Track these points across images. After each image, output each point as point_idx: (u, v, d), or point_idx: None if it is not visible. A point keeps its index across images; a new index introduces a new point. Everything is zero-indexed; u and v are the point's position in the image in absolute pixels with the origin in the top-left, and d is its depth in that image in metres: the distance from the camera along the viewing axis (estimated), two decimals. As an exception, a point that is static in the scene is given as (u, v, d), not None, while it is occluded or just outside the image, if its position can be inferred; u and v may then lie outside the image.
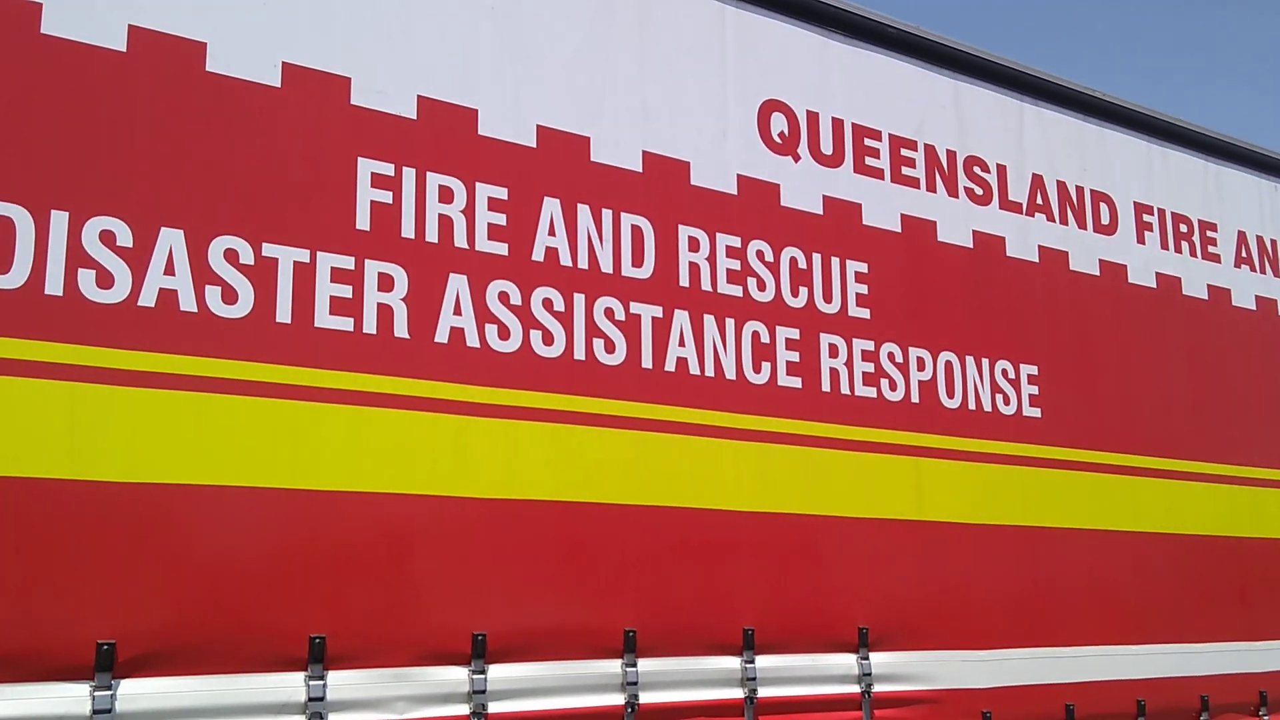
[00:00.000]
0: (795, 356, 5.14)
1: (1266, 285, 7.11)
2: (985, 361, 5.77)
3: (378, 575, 4.01)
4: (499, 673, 4.16)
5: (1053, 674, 5.63)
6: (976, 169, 5.99)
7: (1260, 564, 6.69)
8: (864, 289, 5.44)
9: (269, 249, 4.00)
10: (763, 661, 4.77)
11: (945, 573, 5.42)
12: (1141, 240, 6.58)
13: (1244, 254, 7.05)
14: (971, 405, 5.67)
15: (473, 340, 4.33)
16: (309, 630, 3.85)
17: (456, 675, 4.09)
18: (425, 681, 4.04)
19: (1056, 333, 6.10)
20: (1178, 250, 6.74)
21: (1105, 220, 6.44)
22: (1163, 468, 6.35)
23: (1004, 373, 5.82)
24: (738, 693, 4.68)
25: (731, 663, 4.71)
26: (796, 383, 5.12)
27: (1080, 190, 6.39)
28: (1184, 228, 6.80)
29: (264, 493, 3.84)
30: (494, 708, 4.11)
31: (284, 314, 3.98)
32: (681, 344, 4.83)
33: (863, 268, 5.45)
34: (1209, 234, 6.91)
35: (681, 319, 4.85)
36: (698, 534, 4.73)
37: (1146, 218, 6.64)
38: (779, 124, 5.35)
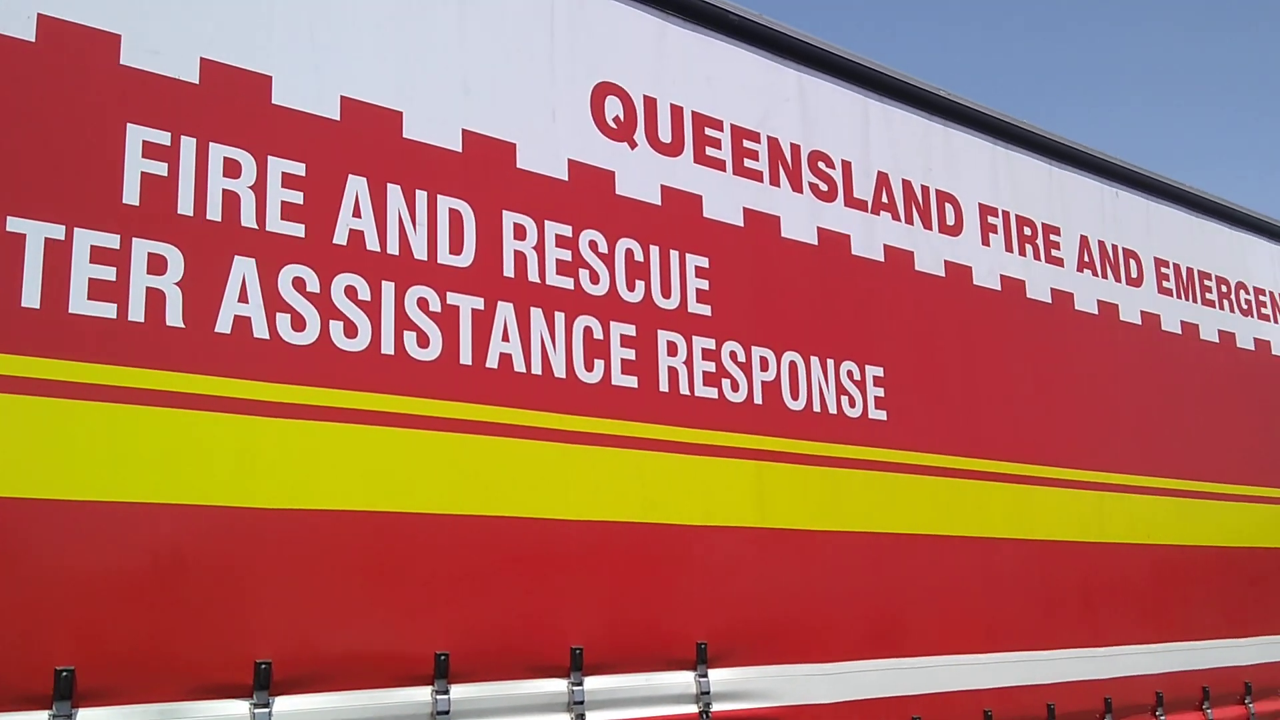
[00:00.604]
0: (631, 354, 4.82)
1: (1108, 290, 7.14)
2: (830, 362, 5.55)
3: (141, 598, 3.49)
4: (288, 705, 3.69)
5: (900, 686, 5.43)
6: (821, 164, 5.80)
7: (1105, 569, 6.66)
8: (705, 284, 5.15)
9: (15, 223, 3.47)
10: (592, 683, 4.40)
11: (788, 582, 5.16)
12: (986, 242, 6.50)
13: (1086, 258, 7.06)
14: (816, 407, 5.44)
15: (261, 331, 3.87)
16: (55, 662, 3.32)
17: (237, 710, 3.61)
18: (200, 719, 3.54)
19: (902, 334, 5.94)
20: (1022, 253, 6.69)
21: (951, 221, 6.34)
22: (1010, 472, 6.25)
23: (849, 374, 5.62)
24: (564, 718, 4.30)
25: (557, 685, 4.33)
26: (632, 382, 4.79)
27: (926, 190, 6.27)
28: (1028, 230, 6.76)
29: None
30: (281, 745, 3.64)
31: (31, 298, 3.45)
32: (505, 339, 4.45)
33: (703, 262, 5.17)
34: (1052, 237, 6.89)
35: (505, 312, 4.47)
36: (521, 546, 4.34)
37: (991, 220, 6.57)
38: (614, 108, 5.04)
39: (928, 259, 6.16)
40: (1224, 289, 7.98)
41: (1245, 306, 8.13)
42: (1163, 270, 7.55)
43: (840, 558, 5.38)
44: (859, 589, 5.42)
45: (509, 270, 4.53)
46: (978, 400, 6.23)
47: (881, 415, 5.70)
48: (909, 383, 5.89)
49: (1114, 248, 7.27)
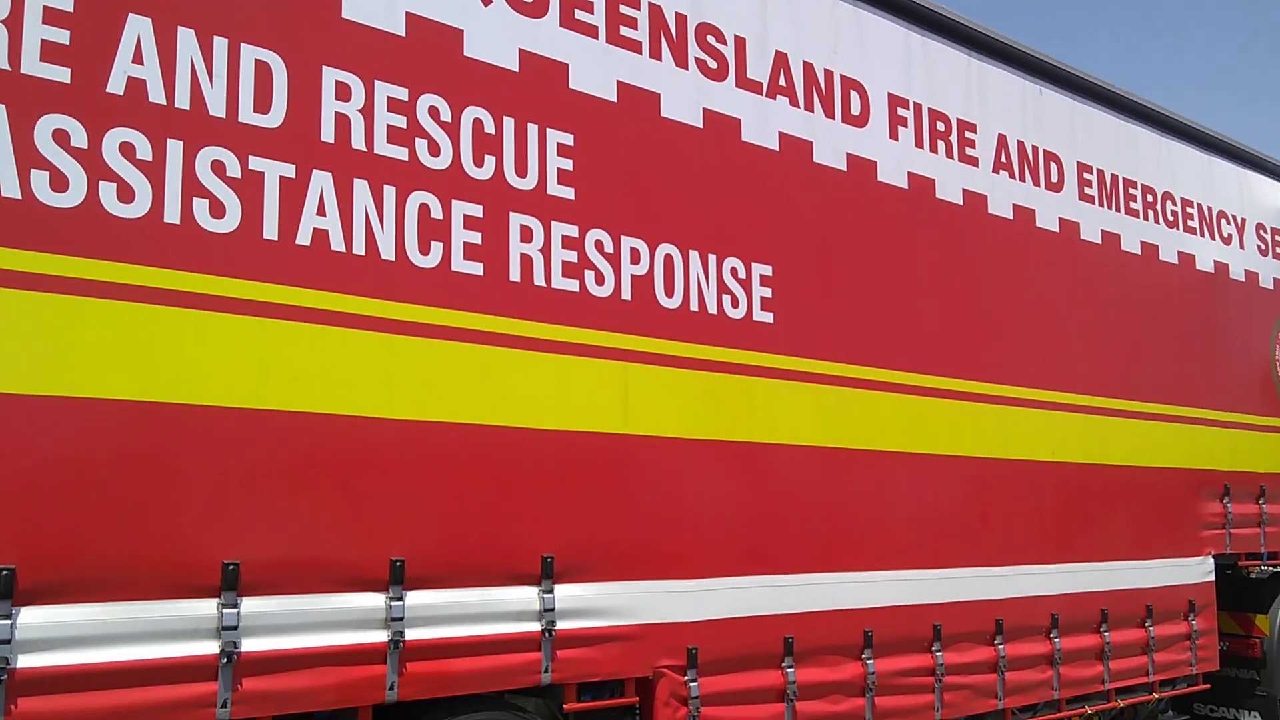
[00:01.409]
0: (475, 238, 4.31)
1: (1026, 194, 6.71)
2: (712, 258, 5.08)
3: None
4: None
5: (773, 604, 5.08)
6: (711, 39, 5.25)
7: (1006, 487, 6.35)
8: (568, 164, 4.64)
9: None
10: (416, 599, 3.99)
11: (653, 494, 4.76)
12: (895, 136, 6.02)
13: (1004, 159, 6.61)
14: (694, 306, 4.98)
15: (10, 190, 3.31)
16: None
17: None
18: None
19: (795, 231, 5.48)
20: (933, 150, 6.21)
21: (856, 111, 5.84)
22: (907, 383, 5.86)
23: (733, 271, 5.15)
24: (379, 635, 3.89)
25: (374, 600, 3.90)
26: (476, 269, 4.30)
27: (830, 75, 5.75)
28: (941, 126, 6.28)
29: None
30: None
31: None
32: (321, 212, 3.92)
33: (568, 139, 4.64)
34: (968, 135, 6.42)
35: (322, 182, 3.93)
36: (332, 446, 3.87)
37: (901, 111, 6.07)
38: (465, -43, 4.45)
39: (828, 151, 5.67)
40: (1149, 199, 7.59)
41: (1170, 218, 7.75)
42: (1085, 176, 7.13)
43: (713, 469, 4.98)
44: (732, 503, 5.03)
45: (327, 134, 3.98)
46: (876, 306, 5.80)
47: (768, 317, 5.26)
48: (801, 284, 5.44)
49: (1034, 149, 6.82)
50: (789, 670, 5.07)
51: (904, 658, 5.61)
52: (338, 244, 3.94)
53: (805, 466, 5.34)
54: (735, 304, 5.14)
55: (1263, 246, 8.63)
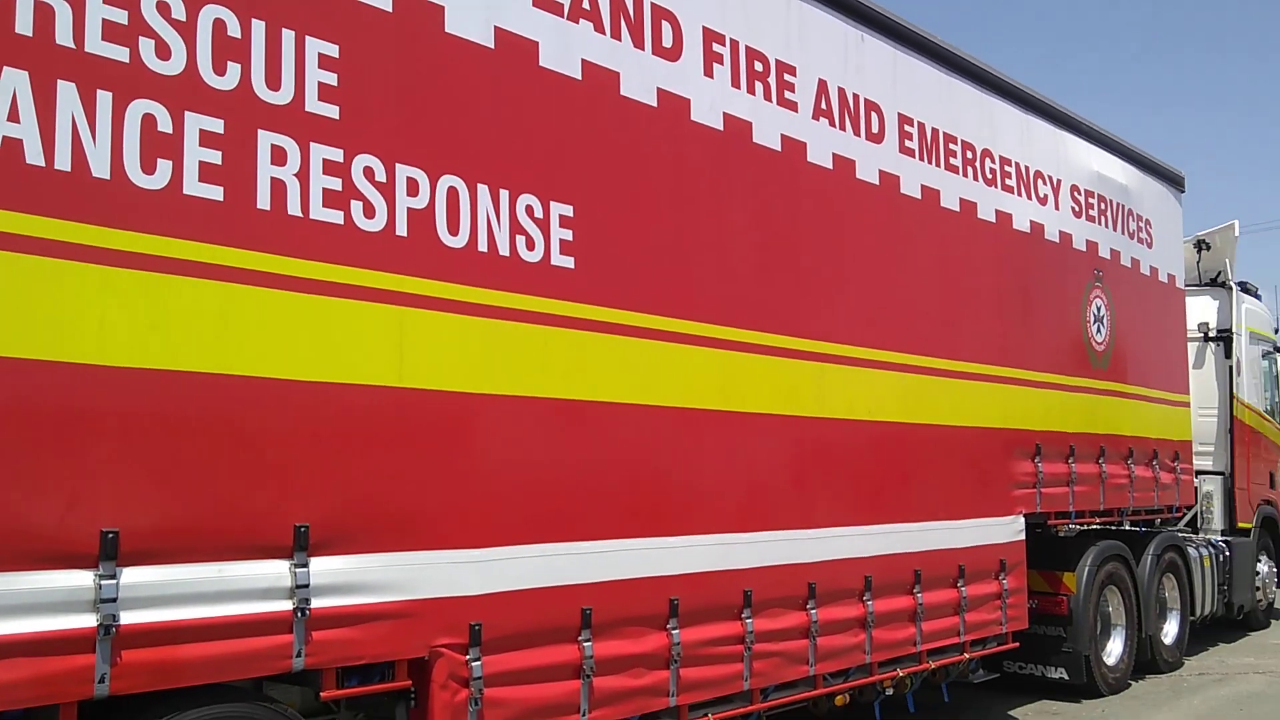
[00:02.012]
0: (214, 157, 3.70)
1: (846, 143, 6.45)
2: (504, 194, 4.60)
3: None
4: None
5: (569, 574, 4.68)
6: (505, -49, 4.74)
7: (820, 446, 6.11)
8: (331, 78, 4.06)
9: None
10: (133, 576, 3.39)
11: (433, 454, 4.27)
12: (709, 73, 5.64)
13: (824, 105, 6.33)
14: (482, 246, 4.49)
15: None
16: None
17: None
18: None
19: (601, 169, 5.04)
20: (750, 91, 5.87)
21: (668, 43, 5.43)
22: (719, 337, 5.53)
23: (528, 210, 4.68)
24: (87, 620, 3.29)
25: (80, 579, 3.30)
26: (214, 193, 3.69)
27: (639, 2, 5.31)
28: (759, 66, 5.93)
29: None
30: None
31: None
32: (13, 118, 3.25)
33: (331, 50, 4.06)
34: (787, 77, 6.10)
35: (14, 82, 3.26)
36: (30, 400, 3.24)
37: (717, 48, 5.70)
38: None
39: (637, 84, 5.24)
40: (969, 155, 7.48)
41: (990, 176, 7.67)
42: (906, 128, 6.93)
43: (503, 428, 4.52)
44: (524, 465, 4.59)
45: (22, 27, 3.30)
46: (689, 254, 5.43)
47: (567, 262, 4.81)
48: (606, 227, 5.02)
49: (855, 97, 6.57)
50: (586, 644, 4.68)
51: (712, 626, 5.30)
52: (34, 157, 3.28)
53: (608, 425, 4.94)
54: (530, 246, 4.68)
55: (1077, 208, 8.69)
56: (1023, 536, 7.72)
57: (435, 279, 4.32)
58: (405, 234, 4.24)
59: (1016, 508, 7.70)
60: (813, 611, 5.87)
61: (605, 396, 4.93)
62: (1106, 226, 9.10)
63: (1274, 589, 12.19)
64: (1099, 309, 8.90)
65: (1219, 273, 11.93)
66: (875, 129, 6.68)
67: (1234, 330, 11.62)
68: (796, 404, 5.96)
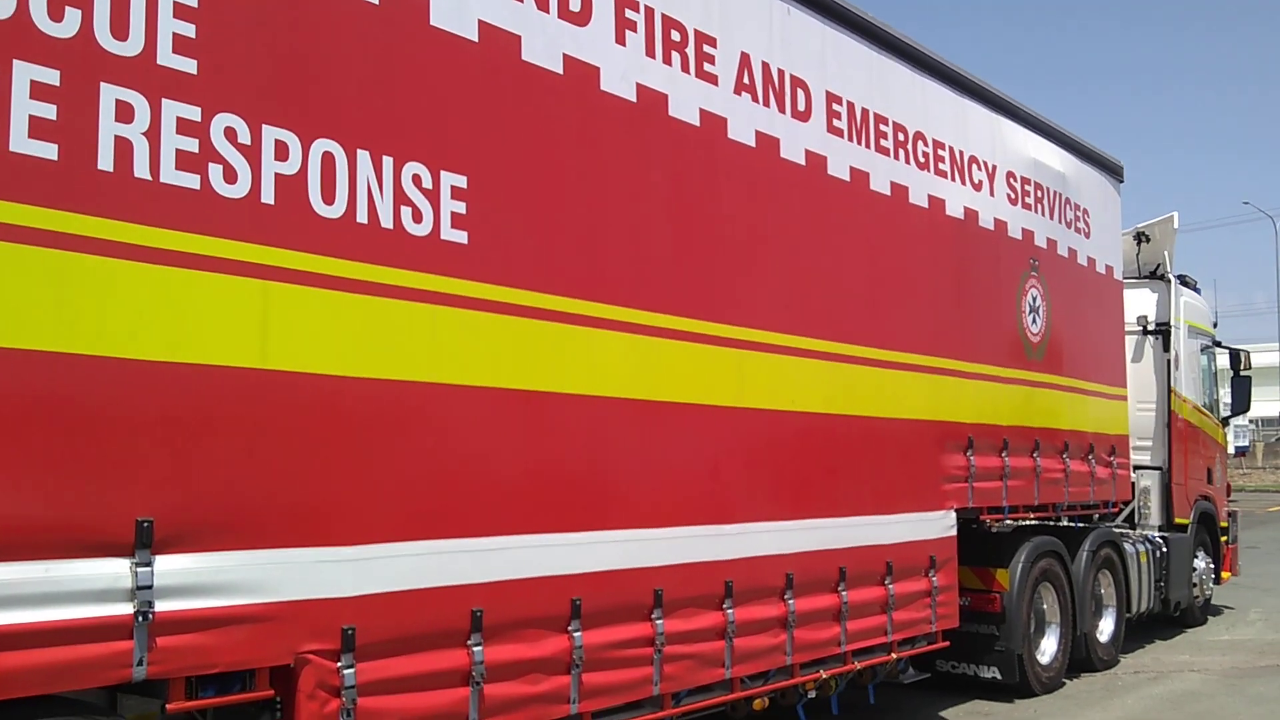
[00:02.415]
0: (47, 112, 3.32)
1: (769, 120, 6.16)
2: (388, 161, 4.24)
3: None
4: None
5: (455, 573, 4.34)
6: (392, -101, 4.38)
7: (740, 438, 5.82)
8: (188, 29, 3.68)
9: None
10: (-64, 577, 3.01)
11: (301, 443, 3.91)
12: (621, 40, 5.32)
13: (746, 79, 6.03)
14: (362, 217, 4.13)
15: None
16: None
17: None
18: None
19: (499, 138, 4.70)
20: (667, 61, 5.55)
21: (575, 6, 5.09)
22: (631, 320, 5.22)
23: (416, 179, 4.33)
24: (-127, 630, 2.90)
25: None
26: (47, 151, 3.31)
27: (544, -38, 4.98)
28: (676, 35, 5.62)
29: None
30: None
31: None
32: None
33: (187, -2, 3.69)
34: (706, 49, 5.79)
35: None
36: None
37: (630, 14, 5.37)
38: None
39: (540, 48, 4.90)
40: (901, 137, 7.22)
41: (922, 160, 7.42)
42: (834, 107, 6.66)
43: (383, 415, 4.17)
44: (407, 455, 4.24)
45: None
46: (598, 232, 5.12)
47: (460, 237, 4.47)
48: (504, 201, 4.68)
49: (781, 73, 6.28)
50: (476, 649, 4.35)
51: (619, 628, 4.99)
52: None
53: (503, 413, 4.61)
54: (418, 218, 4.33)
55: (1012, 195, 8.48)
56: (954, 532, 7.50)
57: (306, 251, 3.95)
58: (272, 202, 3.87)
59: (948, 502, 7.47)
60: (730, 611, 5.57)
61: (502, 383, 4.60)
62: (1043, 215, 8.92)
63: (1210, 585, 12.12)
64: (1035, 299, 8.71)
65: (1158, 265, 11.83)
66: (802, 106, 6.39)
67: (1172, 323, 11.52)
68: (714, 393, 5.66)
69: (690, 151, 5.66)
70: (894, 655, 6.89)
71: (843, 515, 6.47)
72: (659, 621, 5.16)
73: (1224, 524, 12.69)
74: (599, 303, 5.06)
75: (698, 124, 5.68)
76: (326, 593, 3.91)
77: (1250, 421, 48.98)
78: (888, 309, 7.02)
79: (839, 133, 6.66)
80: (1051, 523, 9.67)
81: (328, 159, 4.05)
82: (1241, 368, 12.86)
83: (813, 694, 6.34)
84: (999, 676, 8.25)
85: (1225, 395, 13.33)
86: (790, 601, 5.98)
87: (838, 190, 6.64)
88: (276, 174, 3.89)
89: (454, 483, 4.39)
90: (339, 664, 3.92)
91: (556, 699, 4.67)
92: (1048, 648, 8.82)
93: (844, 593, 6.39)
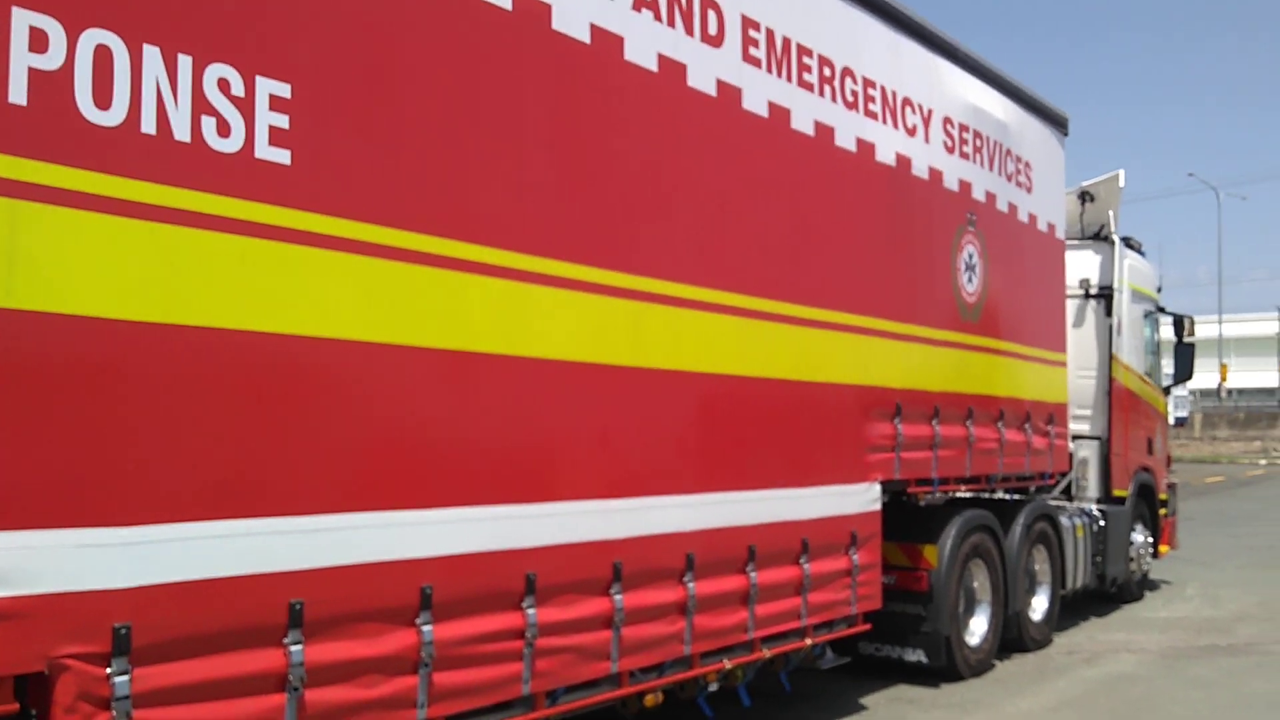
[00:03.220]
0: None
1: (675, 43, 5.43)
2: (185, 61, 3.48)
3: None
4: None
5: (267, 558, 3.64)
6: None
7: (635, 401, 5.16)
8: (-105, -126, 2.90)
9: None
10: None
11: (54, 401, 3.17)
12: (496, -63, 4.57)
13: (647, -4, 5.31)
14: (148, 127, 3.38)
15: None
16: None
17: None
18: None
19: (333, 39, 3.95)
20: (554, -33, 4.82)
21: (438, -107, 4.34)
22: (502, 264, 4.52)
23: (222, 84, 3.58)
24: None
25: None
26: None
27: None
28: (565, -62, 4.88)
29: None
30: None
31: None
32: None
33: None
34: (600, -44, 5.06)
35: None
36: None
37: (507, -92, 4.63)
38: None
39: (391, -60, 4.15)
40: (827, 72, 6.55)
41: (850, 99, 6.76)
42: (751, 34, 5.96)
43: (173, 368, 3.44)
44: (209, 417, 3.51)
45: None
46: (462, 159, 4.39)
47: (280, 157, 3.73)
48: (339, 116, 3.94)
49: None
50: (294, 647, 3.65)
51: (481, 619, 4.33)
52: None
53: (333, 367, 3.89)
54: (225, 131, 3.58)
55: (949, 143, 7.86)
56: (878, 506, 6.92)
57: (70, 165, 3.20)
58: (24, 102, 3.11)
59: (872, 474, 6.89)
60: (617, 597, 4.93)
61: (334, 332, 3.88)
62: (982, 166, 8.31)
63: (1148, 560, 11.74)
64: (971, 256, 8.12)
65: (1102, 226, 11.33)
66: (713, 30, 5.69)
67: (1116, 287, 11.04)
68: (604, 350, 4.98)
69: (579, 73, 4.94)
70: (809, 641, 6.30)
71: (754, 488, 5.85)
72: (531, 611, 4.50)
73: (1163, 496, 12.30)
74: (461, 241, 4.34)
75: (588, 41, 4.96)
76: (92, 584, 3.19)
77: (1190, 392, 49.44)
78: (810, 262, 6.37)
79: (756, 62, 5.96)
80: (988, 495, 9.16)
81: (102, 54, 3.28)
82: (1185, 334, 12.45)
83: (715, 686, 5.73)
84: (925, 660, 7.72)
85: (1169, 365, 12.96)
86: (690, 585, 5.35)
87: (754, 127, 5.96)
88: (30, 68, 3.13)
89: (269, 449, 3.67)
90: (109, 670, 3.21)
91: (399, 704, 3.99)
92: (977, 628, 8.31)
93: (753, 574, 5.77)
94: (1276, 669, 8.33)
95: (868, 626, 6.91)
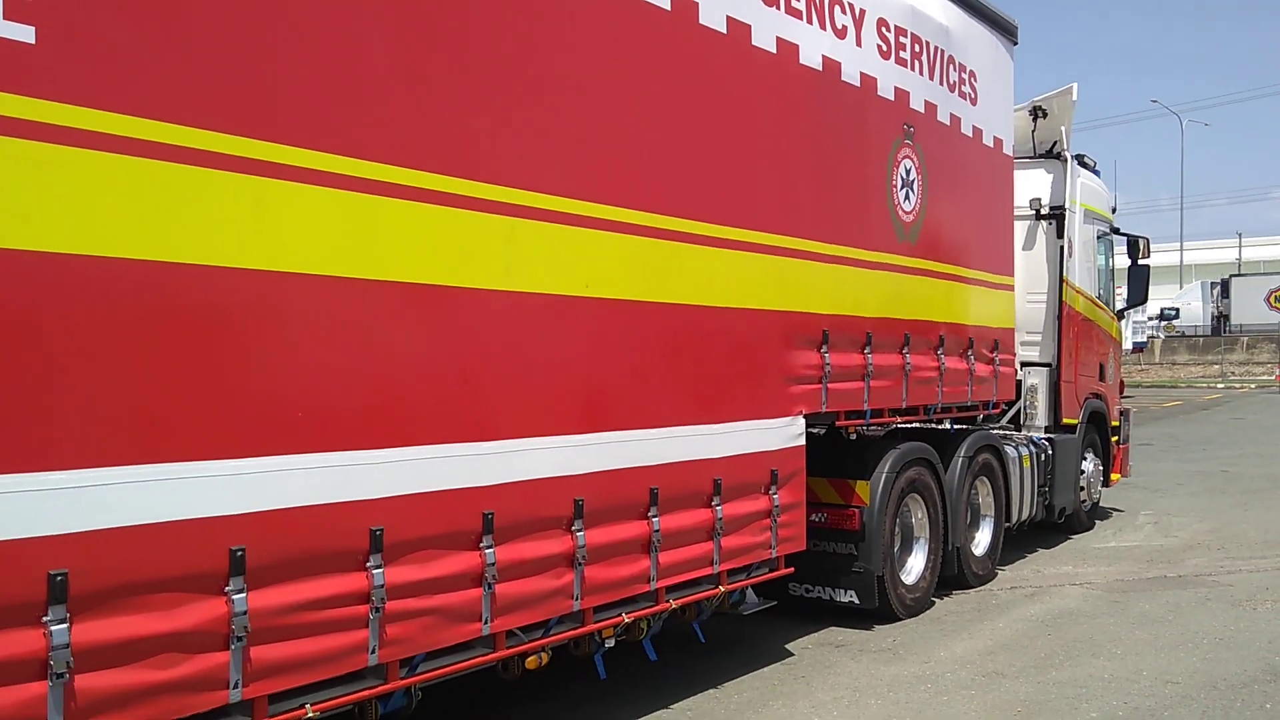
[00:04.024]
0: None
1: (554, -79, 4.75)
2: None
3: None
4: None
5: (51, 519, 3.03)
6: None
7: (508, 331, 4.56)
8: None
9: None
10: None
11: None
12: None
13: None
14: None
15: None
16: None
17: None
18: None
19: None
20: None
21: None
22: (332, 170, 3.86)
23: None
24: None
25: None
26: None
27: None
28: None
29: None
30: None
31: None
32: None
33: None
34: None
35: None
36: None
37: None
38: None
39: None
40: (739, -40, 5.85)
41: (767, -9, 6.07)
42: (648, -88, 5.26)
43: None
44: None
45: None
46: (265, 45, 3.70)
47: (21, 33, 3.04)
48: (116, -9, 3.24)
49: None
50: (56, 628, 3.06)
51: (309, 583, 3.74)
52: None
53: (104, 292, 3.24)
54: (-52, 5, 2.88)
55: (884, 47, 7.20)
56: (802, 441, 6.39)
57: None
58: None
59: (795, 407, 6.34)
60: (489, 551, 4.37)
61: (103, 250, 3.22)
62: (922, 73, 7.66)
63: (1099, 489, 11.37)
64: (909, 172, 7.51)
65: (1055, 143, 10.73)
66: (600, -93, 4.98)
67: (1067, 206, 10.47)
68: (469, 272, 4.36)
69: (433, -49, 4.24)
70: (722, 588, 5.79)
71: (655, 426, 5.28)
72: (377, 571, 3.92)
73: (1116, 423, 11.90)
74: (271, 143, 3.67)
75: (443, -87, 4.26)
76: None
77: (1150, 319, 49.56)
78: (719, 175, 5.74)
79: (654, -54, 5.27)
80: (935, 425, 8.68)
81: None
82: (1141, 256, 11.95)
83: (611, 643, 5.21)
84: (856, 601, 7.26)
85: (1125, 290, 12.49)
86: (579, 534, 4.79)
87: (654, 20, 5.29)
88: None
89: (25, 400, 3.04)
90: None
91: (206, 685, 3.42)
92: (914, 566, 7.86)
93: (655, 519, 5.23)
94: (1224, 603, 7.96)
95: (790, 570, 6.42)
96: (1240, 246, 65.39)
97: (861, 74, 6.95)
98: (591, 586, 4.89)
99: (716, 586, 5.76)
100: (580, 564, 4.81)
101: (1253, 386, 40.66)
